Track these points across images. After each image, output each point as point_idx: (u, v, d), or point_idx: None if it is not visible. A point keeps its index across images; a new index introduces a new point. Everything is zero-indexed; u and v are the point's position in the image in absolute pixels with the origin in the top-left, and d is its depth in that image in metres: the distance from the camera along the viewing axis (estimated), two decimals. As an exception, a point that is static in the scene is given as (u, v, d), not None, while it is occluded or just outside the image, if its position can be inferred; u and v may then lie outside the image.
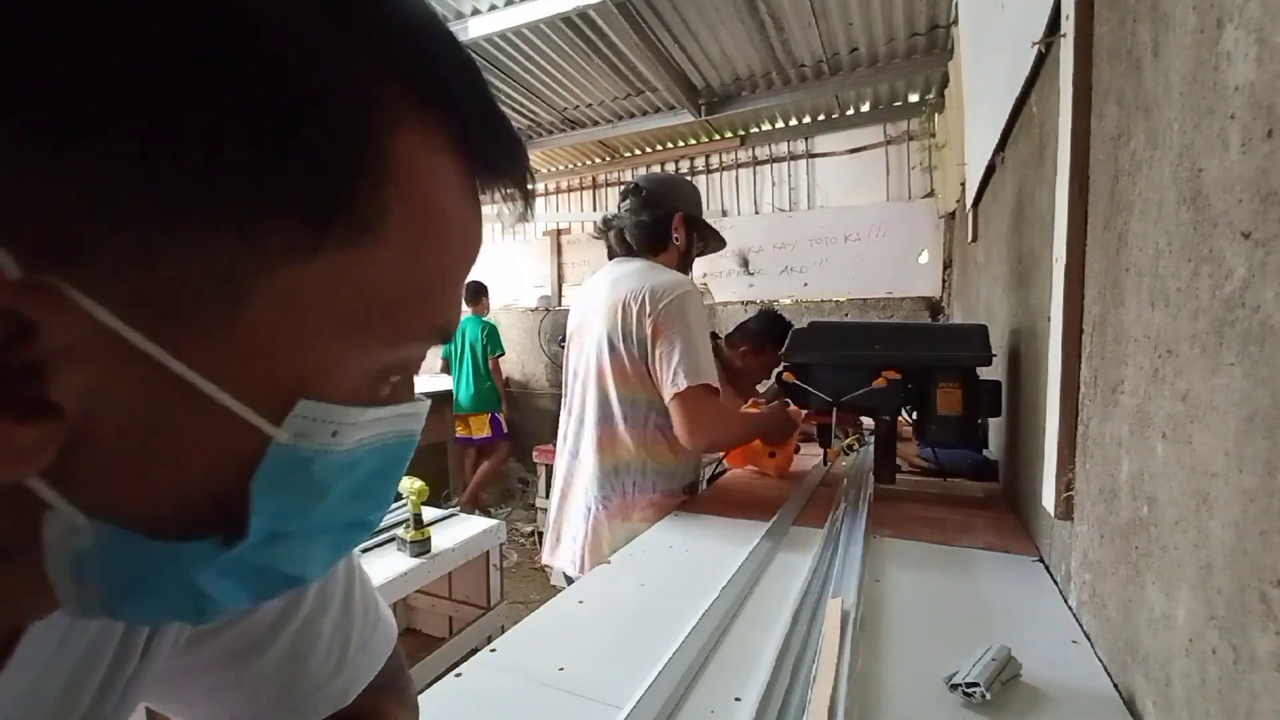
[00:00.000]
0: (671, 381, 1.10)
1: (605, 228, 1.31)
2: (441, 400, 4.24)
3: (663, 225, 1.26)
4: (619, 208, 1.30)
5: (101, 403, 0.17)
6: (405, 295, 0.21)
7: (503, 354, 4.03)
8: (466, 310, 4.00)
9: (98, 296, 0.16)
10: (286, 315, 0.19)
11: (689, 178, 4.01)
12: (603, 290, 1.23)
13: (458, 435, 4.06)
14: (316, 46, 0.17)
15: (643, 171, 4.18)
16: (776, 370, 1.35)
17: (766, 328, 2.02)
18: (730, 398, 1.89)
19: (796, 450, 1.49)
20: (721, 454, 1.43)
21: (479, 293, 4.02)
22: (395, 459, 0.25)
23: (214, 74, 0.16)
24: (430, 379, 4.62)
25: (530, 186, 0.26)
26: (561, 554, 1.22)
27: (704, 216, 1.36)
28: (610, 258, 1.32)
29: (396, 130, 0.19)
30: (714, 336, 2.11)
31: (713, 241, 1.39)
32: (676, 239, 1.27)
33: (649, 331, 1.13)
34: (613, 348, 1.17)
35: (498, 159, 0.23)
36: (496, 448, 4.04)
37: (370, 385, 0.22)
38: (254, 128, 0.16)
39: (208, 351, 0.18)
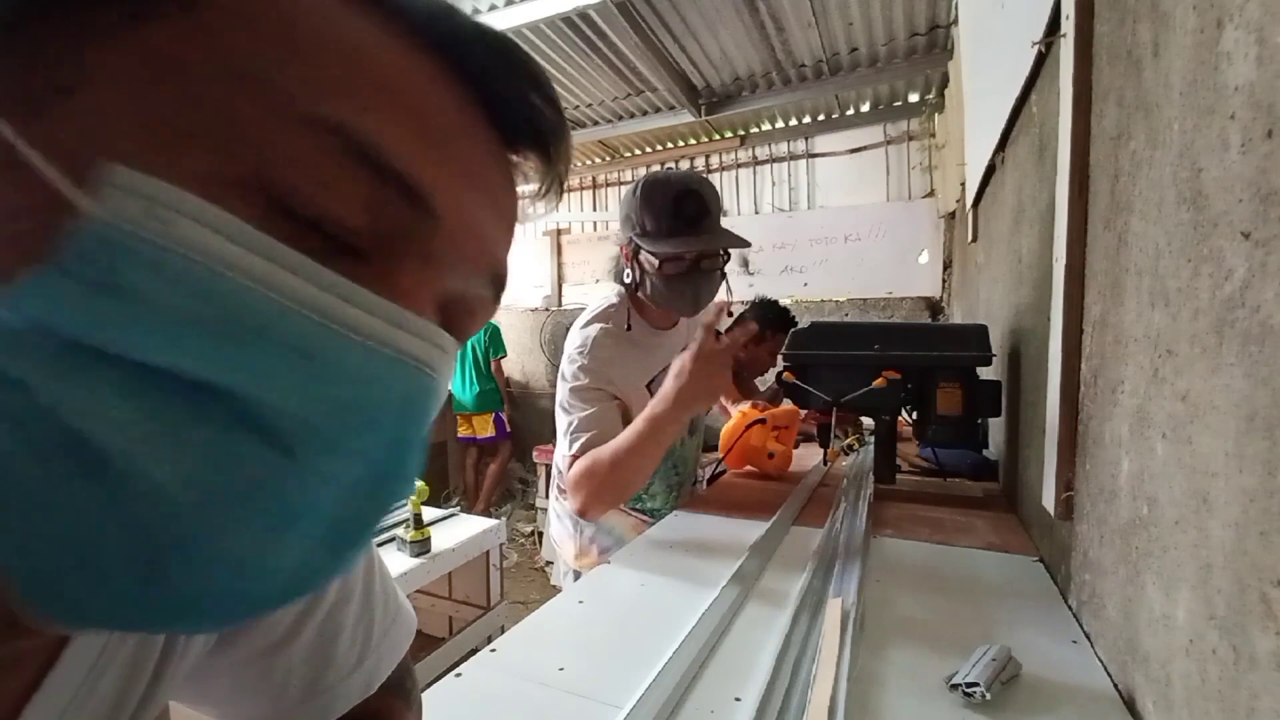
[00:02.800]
0: (560, 444, 1.06)
1: None
2: (441, 400, 4.25)
3: (621, 260, 1.08)
4: None
5: None
6: (246, 77, 0.18)
7: (504, 355, 4.03)
8: None
9: None
10: (107, 88, 0.17)
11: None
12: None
13: (460, 435, 4.06)
14: None
15: (642, 172, 4.18)
16: (777, 371, 1.35)
17: (763, 315, 2.02)
18: (729, 393, 1.89)
19: (796, 446, 1.49)
20: (721, 455, 1.42)
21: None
22: (338, 358, 0.18)
23: None
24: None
25: (549, 92, 0.23)
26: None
27: (658, 226, 1.01)
28: None
29: None
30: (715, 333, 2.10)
31: (672, 262, 1.02)
32: (628, 275, 1.06)
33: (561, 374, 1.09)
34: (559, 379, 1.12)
35: (463, 40, 0.22)
36: (500, 447, 4.04)
37: (254, 209, 0.18)
38: None
39: (25, 120, 0.16)
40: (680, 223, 1.00)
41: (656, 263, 1.01)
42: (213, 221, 0.17)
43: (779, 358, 2.02)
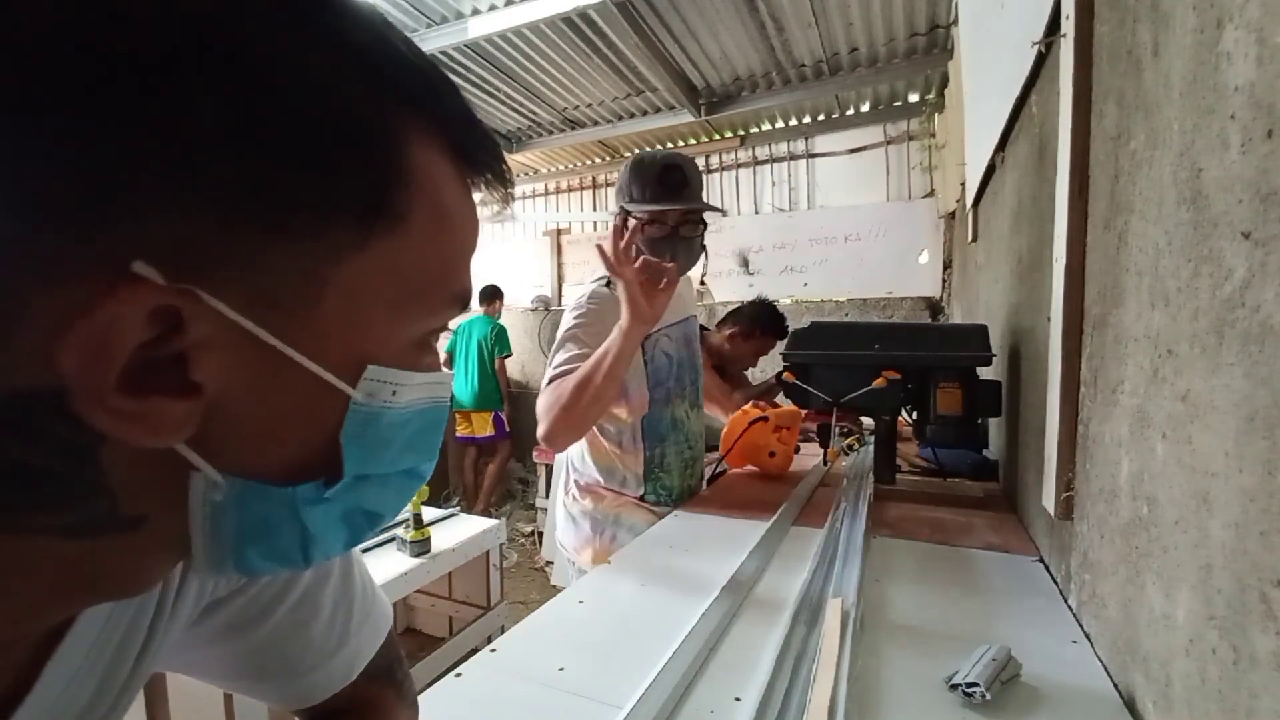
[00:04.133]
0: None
1: None
2: (441, 400, 4.24)
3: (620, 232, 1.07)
4: None
5: (230, 380, 0.22)
6: (431, 274, 0.27)
7: (509, 355, 4.04)
8: (478, 310, 4.02)
9: (224, 297, 0.21)
10: (352, 298, 0.24)
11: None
12: None
13: (459, 434, 4.06)
14: (349, 92, 0.23)
15: (643, 171, 4.18)
16: (777, 372, 1.35)
17: (758, 314, 2.03)
18: (718, 385, 1.90)
19: (797, 450, 1.49)
20: (721, 455, 1.42)
21: (494, 295, 4.03)
22: (434, 419, 0.30)
23: (286, 130, 0.21)
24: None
25: (508, 177, 0.31)
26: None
27: (643, 195, 1.09)
28: None
29: (410, 144, 0.25)
30: (702, 328, 2.13)
31: (656, 223, 1.09)
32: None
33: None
34: None
35: (484, 157, 0.29)
36: (499, 447, 4.04)
37: (414, 353, 0.28)
38: (317, 159, 0.22)
39: (300, 334, 0.23)
40: (664, 190, 1.11)
41: (642, 223, 1.10)
42: (411, 381, 0.27)
43: (769, 346, 2.04)
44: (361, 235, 0.23)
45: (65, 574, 0.23)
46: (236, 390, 0.23)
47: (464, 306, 0.30)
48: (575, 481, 1.25)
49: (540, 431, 1.03)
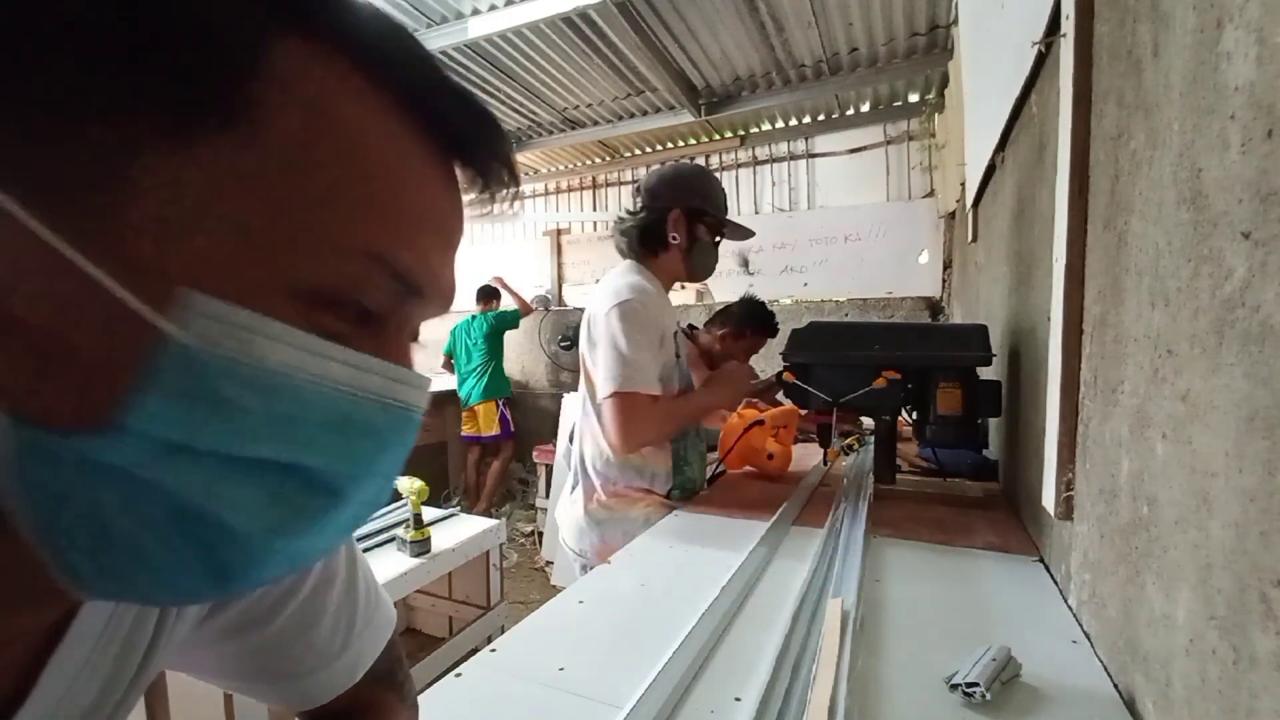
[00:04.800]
0: (600, 388, 1.15)
1: (619, 233, 1.31)
2: (442, 399, 4.25)
3: (659, 225, 1.25)
4: (625, 211, 1.33)
5: (15, 291, 0.18)
6: (303, 201, 0.21)
7: (517, 327, 4.05)
8: (475, 308, 4.02)
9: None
10: (172, 203, 0.19)
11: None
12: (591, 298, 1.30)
13: (464, 433, 4.06)
14: None
15: (643, 172, 4.18)
16: (777, 371, 1.35)
17: (748, 313, 2.03)
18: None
19: (796, 440, 1.49)
20: (720, 458, 1.43)
21: (491, 295, 4.04)
22: (367, 420, 0.24)
23: None
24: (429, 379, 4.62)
25: (506, 156, 0.27)
26: (560, 522, 1.34)
27: (717, 205, 1.28)
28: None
29: (284, 44, 0.21)
30: (691, 326, 2.14)
31: (733, 230, 1.31)
32: (674, 237, 1.25)
33: (592, 342, 1.20)
34: (583, 356, 1.26)
35: (454, 118, 0.25)
36: (502, 446, 4.03)
37: (298, 307, 0.22)
38: (113, 27, 0.18)
39: (96, 240, 0.19)
40: (726, 208, 1.31)
41: (712, 230, 1.28)
42: (276, 334, 0.21)
43: (758, 346, 2.05)
44: (178, 125, 0.19)
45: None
46: (23, 303, 0.18)
47: (408, 285, 0.25)
48: (602, 487, 1.24)
49: (621, 441, 1.12)
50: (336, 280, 0.22)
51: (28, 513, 0.19)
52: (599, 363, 1.15)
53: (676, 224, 1.24)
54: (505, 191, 0.29)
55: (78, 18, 0.18)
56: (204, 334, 0.20)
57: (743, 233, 1.33)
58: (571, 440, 1.38)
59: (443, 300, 0.27)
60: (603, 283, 1.26)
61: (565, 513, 1.31)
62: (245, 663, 0.38)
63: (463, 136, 0.26)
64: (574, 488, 1.29)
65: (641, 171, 4.19)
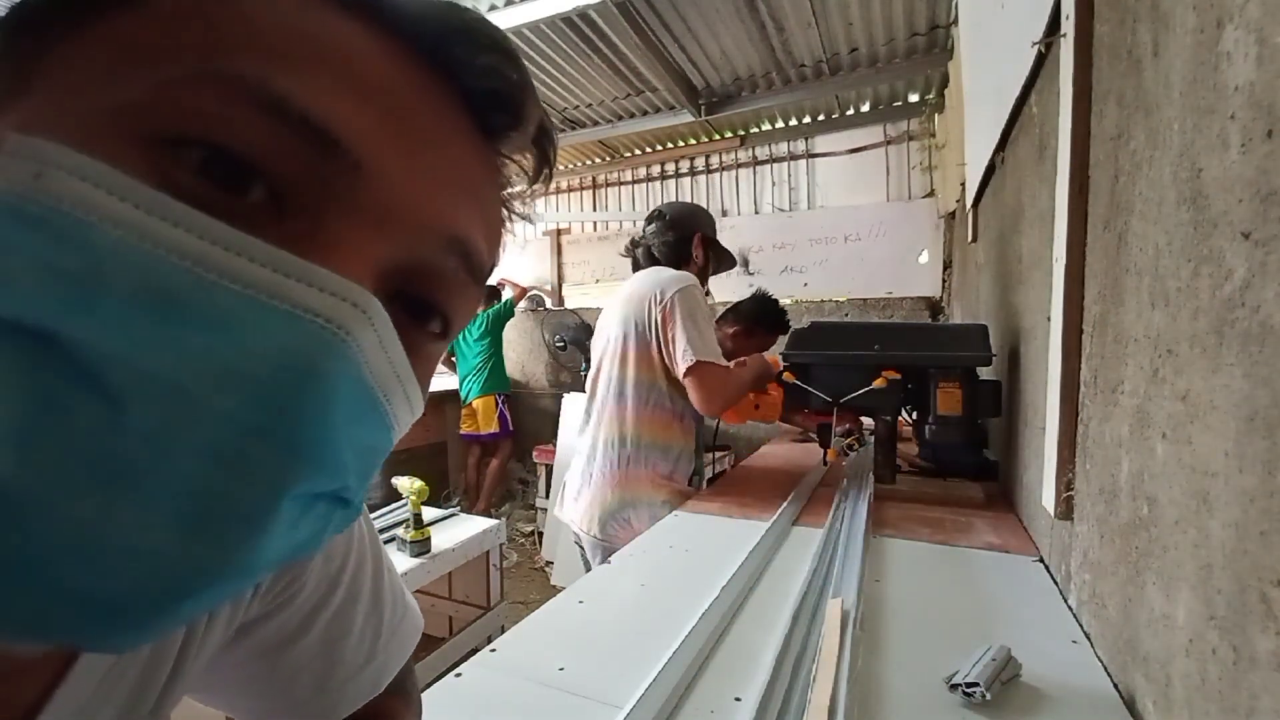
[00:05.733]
0: (681, 359, 1.26)
1: (633, 247, 1.49)
2: (441, 399, 4.25)
3: (685, 245, 1.44)
4: (644, 231, 1.48)
5: None
6: (168, 46, 0.18)
7: (513, 316, 4.05)
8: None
9: None
10: (52, 77, 0.18)
11: (689, 177, 4.03)
12: (623, 293, 1.40)
13: (463, 432, 4.05)
14: None
15: (643, 172, 4.19)
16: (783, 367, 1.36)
17: (758, 310, 2.03)
18: None
19: (795, 440, 1.50)
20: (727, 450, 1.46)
21: (490, 295, 4.04)
22: (208, 304, 0.17)
23: None
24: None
25: (516, 78, 0.23)
26: (571, 511, 1.40)
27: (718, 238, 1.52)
28: (634, 273, 1.47)
29: None
30: None
31: (725, 261, 1.54)
32: (696, 257, 1.45)
33: (659, 318, 1.30)
34: (625, 335, 1.34)
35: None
36: (501, 445, 4.03)
37: (152, 158, 0.17)
38: None
39: None
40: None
41: (717, 258, 1.52)
42: (90, 174, 0.16)
43: (770, 342, 2.05)
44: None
45: None
46: None
47: (326, 145, 0.19)
48: (631, 470, 1.30)
49: (709, 404, 1.28)
50: (194, 117, 0.17)
51: None
52: (677, 338, 1.27)
53: (698, 246, 1.45)
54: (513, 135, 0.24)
55: None
56: (11, 178, 0.16)
57: (730, 262, 1.58)
58: (581, 431, 1.43)
59: (421, 206, 0.22)
60: (646, 277, 1.37)
61: (585, 502, 1.34)
62: (274, 682, 0.37)
63: (439, 37, 0.22)
64: (592, 477, 1.34)
65: (641, 171, 4.19)
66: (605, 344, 1.40)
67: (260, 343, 0.17)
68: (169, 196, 0.17)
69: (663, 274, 1.36)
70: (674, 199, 4.07)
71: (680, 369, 1.27)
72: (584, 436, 1.43)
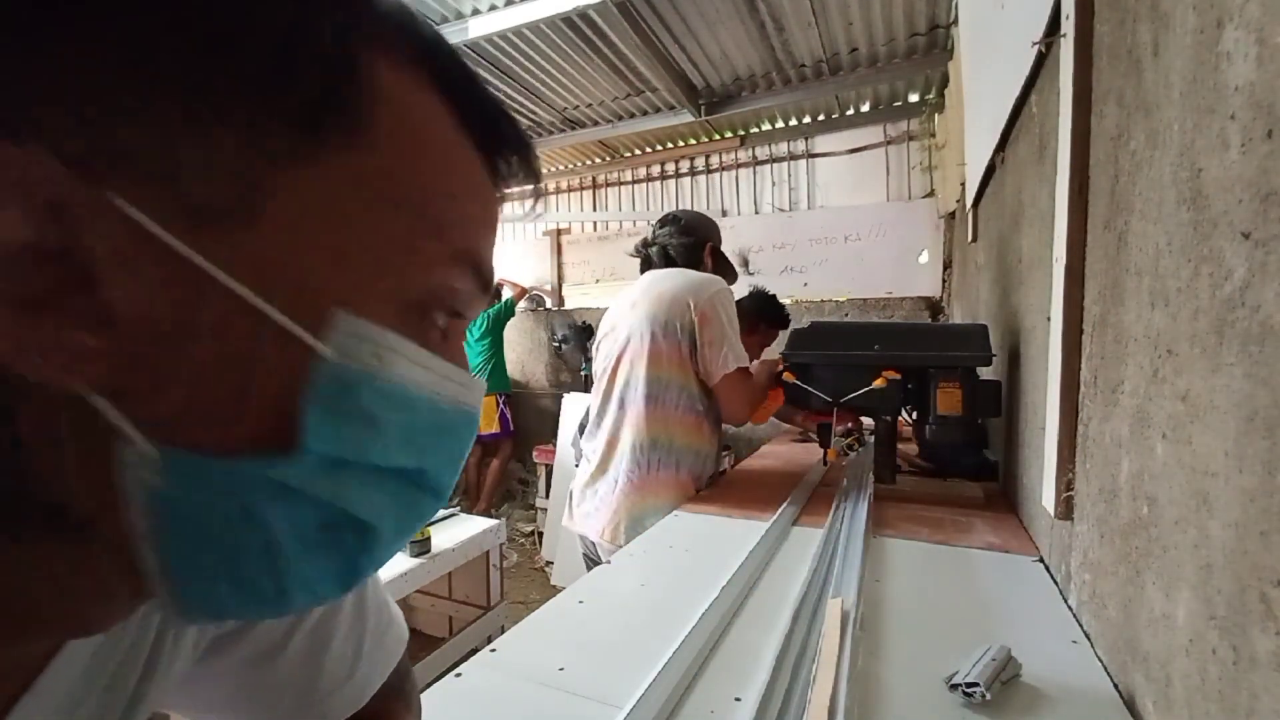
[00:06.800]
0: (722, 364, 1.26)
1: (645, 246, 1.47)
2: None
3: (699, 250, 1.44)
4: (653, 233, 1.47)
5: (151, 312, 0.18)
6: (410, 207, 0.23)
7: (512, 314, 4.06)
8: None
9: (134, 198, 0.17)
10: (304, 216, 0.20)
11: (689, 177, 4.03)
12: (640, 290, 1.37)
13: None
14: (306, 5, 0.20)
15: (643, 172, 4.18)
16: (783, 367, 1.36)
17: (758, 307, 2.03)
18: None
19: (795, 439, 1.49)
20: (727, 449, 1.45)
21: (491, 295, 4.03)
22: (453, 425, 0.25)
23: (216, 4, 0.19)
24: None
25: (529, 146, 0.28)
26: (585, 521, 1.33)
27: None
28: (644, 273, 1.46)
29: (379, 61, 0.22)
30: None
31: (729, 275, 1.52)
32: (706, 265, 1.44)
33: (695, 320, 1.27)
34: (654, 334, 1.29)
35: (491, 119, 0.26)
36: (501, 445, 4.03)
37: (408, 318, 0.23)
38: (255, 44, 0.19)
39: (238, 256, 0.19)
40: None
41: (729, 258, 1.55)
42: (406, 351, 0.23)
43: (771, 338, 2.05)
44: (309, 139, 0.20)
45: None
46: (161, 326, 0.18)
47: (481, 279, 0.26)
48: (657, 475, 1.28)
49: (748, 411, 1.31)
50: (439, 287, 0.24)
51: (159, 539, 0.19)
52: (716, 341, 1.27)
53: (709, 255, 1.46)
54: (530, 187, 0.30)
55: (227, 41, 0.19)
56: (350, 353, 0.21)
57: (733, 276, 1.56)
58: (587, 436, 1.39)
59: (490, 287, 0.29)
60: (675, 277, 1.35)
61: (606, 509, 1.28)
62: (256, 696, 0.37)
63: (499, 137, 0.27)
64: (618, 483, 1.28)
65: (641, 171, 4.19)
66: (624, 343, 1.33)
67: (465, 434, 0.27)
68: (427, 352, 0.24)
69: (694, 275, 1.35)
70: (674, 199, 4.06)
71: (717, 375, 1.26)
72: (595, 440, 1.36)
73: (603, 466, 1.32)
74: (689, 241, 1.43)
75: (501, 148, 0.27)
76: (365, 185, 0.21)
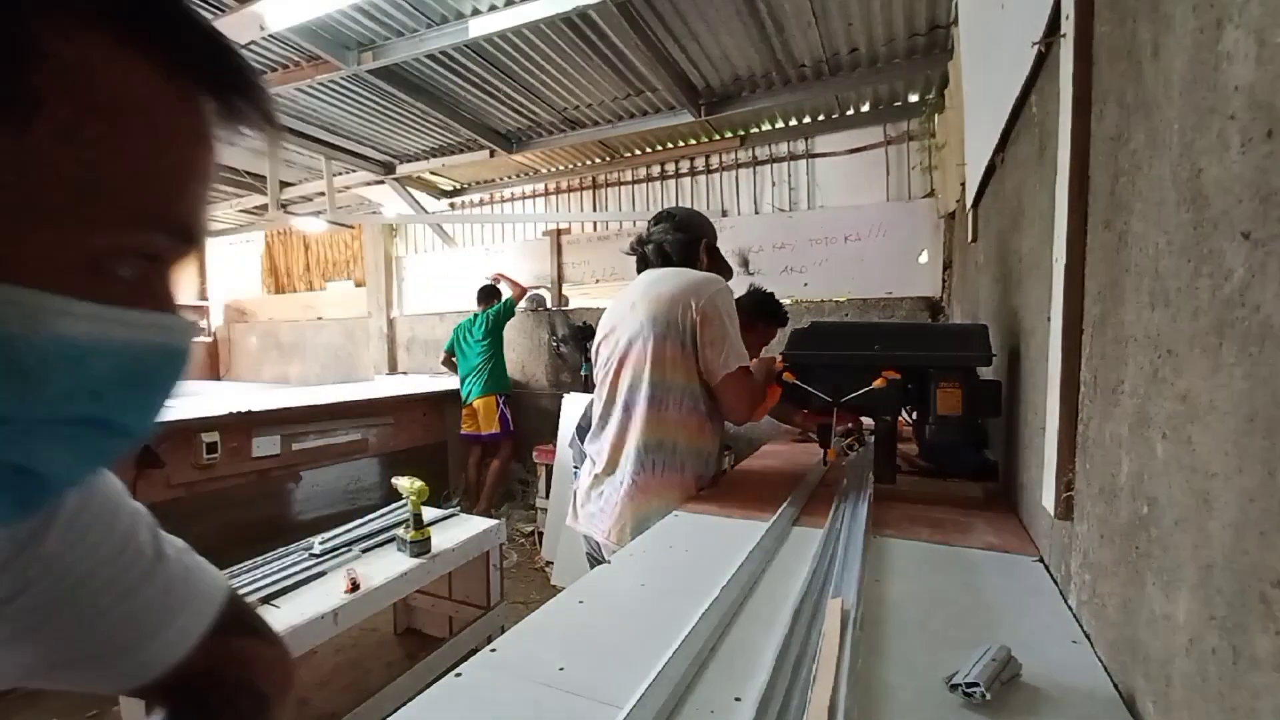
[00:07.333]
0: (724, 364, 1.26)
1: (640, 244, 1.46)
2: (441, 399, 4.25)
3: (694, 247, 1.43)
4: (648, 231, 1.46)
5: None
6: (71, 175, 0.23)
7: (513, 316, 4.06)
8: (477, 309, 4.03)
9: None
10: None
11: (689, 177, 4.03)
12: (639, 291, 1.35)
13: (464, 431, 4.05)
14: None
15: (643, 172, 4.19)
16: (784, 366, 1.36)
17: (756, 304, 2.04)
18: None
19: (795, 439, 1.49)
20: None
21: (491, 294, 4.05)
22: (149, 369, 0.27)
23: None
24: (429, 379, 4.63)
25: (260, 98, 0.28)
26: (590, 522, 1.33)
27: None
28: (640, 271, 1.45)
29: (44, 31, 0.22)
30: None
31: (725, 272, 1.51)
32: (702, 262, 1.44)
33: (696, 320, 1.26)
34: (656, 336, 1.28)
35: (211, 65, 0.27)
36: (502, 445, 4.03)
37: (86, 277, 0.24)
38: None
39: None
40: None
41: (724, 255, 1.54)
42: (70, 309, 0.23)
43: (769, 335, 2.05)
44: None
45: None
46: None
47: (181, 236, 0.27)
48: (665, 476, 1.28)
49: (752, 411, 1.30)
50: (109, 247, 0.25)
51: None
52: (716, 340, 1.26)
53: (704, 252, 1.45)
54: (260, 130, 0.30)
55: None
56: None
57: (729, 273, 1.54)
58: (591, 438, 1.39)
59: (202, 239, 0.29)
60: (674, 277, 1.34)
61: (613, 511, 1.28)
62: (54, 650, 0.37)
63: (221, 82, 0.27)
64: (623, 485, 1.28)
65: (641, 171, 4.19)
66: (625, 346, 1.32)
67: (168, 374, 0.28)
68: (111, 307, 0.25)
69: (693, 275, 1.34)
70: (674, 199, 4.07)
71: (719, 374, 1.26)
72: (598, 442, 1.36)
73: (608, 468, 1.32)
74: (684, 238, 1.42)
75: (224, 91, 0.27)
76: (18, 161, 0.22)
